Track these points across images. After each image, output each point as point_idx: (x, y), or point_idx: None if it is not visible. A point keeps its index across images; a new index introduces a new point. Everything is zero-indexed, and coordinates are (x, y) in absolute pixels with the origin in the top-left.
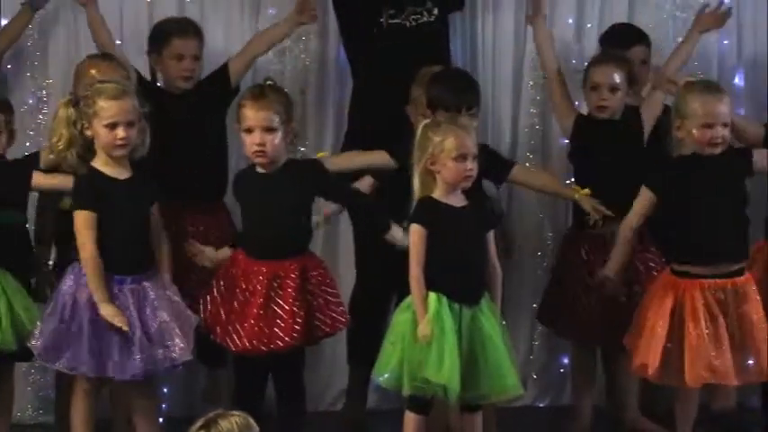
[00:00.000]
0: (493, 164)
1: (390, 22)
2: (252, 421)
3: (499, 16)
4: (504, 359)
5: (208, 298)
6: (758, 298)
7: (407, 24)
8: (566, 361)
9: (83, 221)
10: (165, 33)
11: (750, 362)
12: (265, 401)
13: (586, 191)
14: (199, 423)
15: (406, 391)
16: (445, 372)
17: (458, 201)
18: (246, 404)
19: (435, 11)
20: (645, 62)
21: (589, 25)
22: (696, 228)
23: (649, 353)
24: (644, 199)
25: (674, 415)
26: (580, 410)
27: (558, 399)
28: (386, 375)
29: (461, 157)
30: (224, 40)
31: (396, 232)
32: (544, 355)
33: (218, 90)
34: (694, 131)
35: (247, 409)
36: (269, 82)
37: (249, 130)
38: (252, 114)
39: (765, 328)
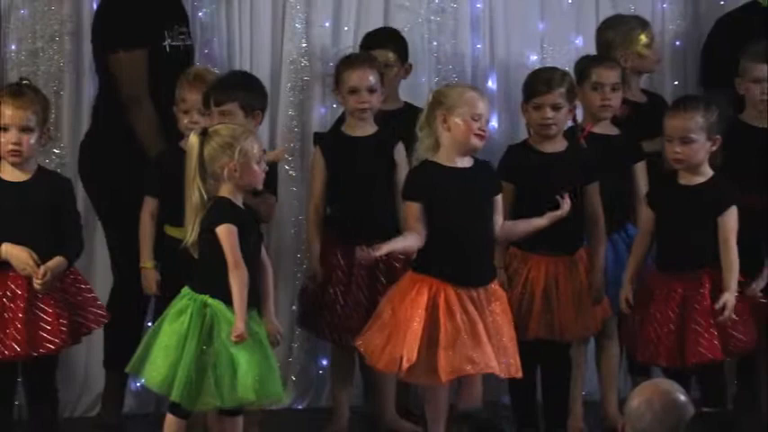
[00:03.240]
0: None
1: (173, 44)
2: None
3: (257, 18)
4: (273, 364)
5: None
6: (505, 295)
7: (193, 45)
8: (324, 363)
9: None
10: None
11: (501, 358)
12: (16, 407)
13: None
14: None
15: (175, 398)
16: (248, 383)
17: (241, 203)
18: None
19: None
20: (388, 66)
21: (346, 28)
22: (445, 246)
23: (405, 348)
24: (410, 212)
25: None
26: (339, 411)
27: (316, 400)
28: (157, 379)
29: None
30: None
31: None
32: (303, 356)
33: None
34: (460, 122)
35: None
36: (25, 81)
37: (5, 129)
38: (9, 112)
39: (511, 326)
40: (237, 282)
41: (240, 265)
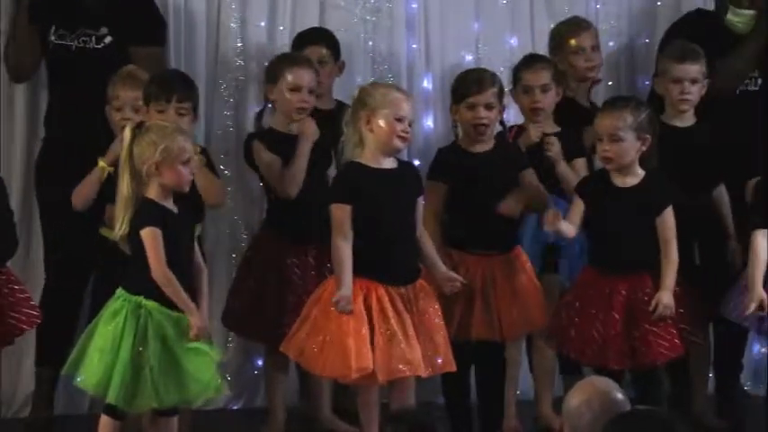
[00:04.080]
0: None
1: (56, 42)
2: None
3: (191, 17)
4: (209, 361)
5: None
6: (433, 290)
7: (72, 47)
8: (260, 363)
9: None
10: None
11: (433, 354)
12: None
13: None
14: None
15: (111, 399)
16: (195, 383)
17: (172, 204)
18: None
19: (108, 39)
20: (322, 62)
21: (281, 28)
22: (373, 247)
23: (356, 358)
24: (342, 214)
25: None
26: (274, 412)
27: (252, 400)
28: (92, 381)
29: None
30: None
31: None
32: (238, 356)
33: None
34: (383, 123)
35: None
36: None
37: None
38: None
39: (443, 321)
40: (163, 283)
41: (159, 269)
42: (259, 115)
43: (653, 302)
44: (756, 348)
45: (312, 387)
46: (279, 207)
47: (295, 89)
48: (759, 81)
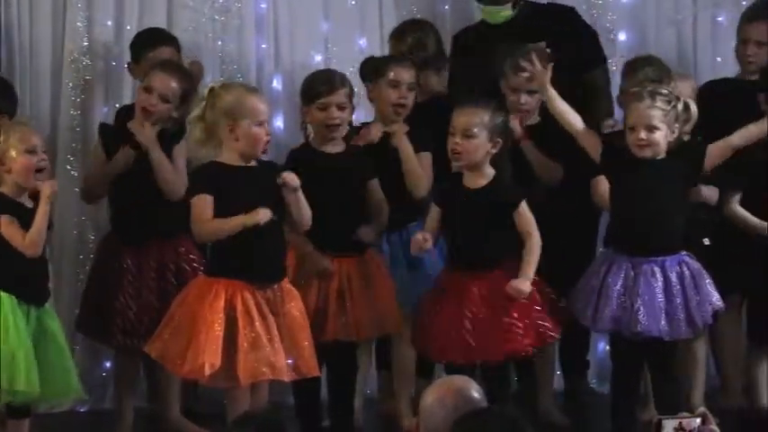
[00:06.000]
0: None
1: None
2: None
3: (36, 16)
4: (69, 361)
5: None
6: (300, 295)
7: None
8: (107, 365)
9: None
10: None
11: (297, 359)
12: None
13: None
14: None
15: None
16: (22, 377)
17: (26, 200)
18: None
19: None
20: None
21: (128, 27)
22: (238, 246)
23: (207, 354)
24: (204, 205)
25: (213, 416)
26: (123, 413)
27: (99, 403)
28: None
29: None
30: None
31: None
32: (86, 359)
33: None
34: (248, 132)
35: None
36: None
37: None
38: None
39: (307, 326)
40: (36, 251)
41: (26, 244)
42: None
43: (508, 286)
44: (602, 346)
45: (161, 388)
46: (118, 209)
47: (148, 90)
48: None
